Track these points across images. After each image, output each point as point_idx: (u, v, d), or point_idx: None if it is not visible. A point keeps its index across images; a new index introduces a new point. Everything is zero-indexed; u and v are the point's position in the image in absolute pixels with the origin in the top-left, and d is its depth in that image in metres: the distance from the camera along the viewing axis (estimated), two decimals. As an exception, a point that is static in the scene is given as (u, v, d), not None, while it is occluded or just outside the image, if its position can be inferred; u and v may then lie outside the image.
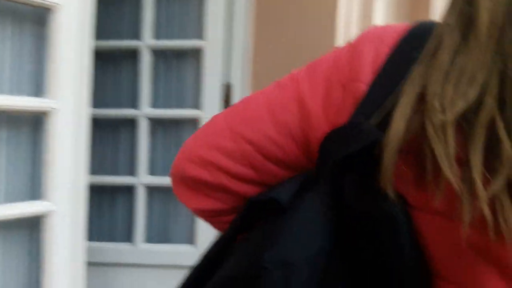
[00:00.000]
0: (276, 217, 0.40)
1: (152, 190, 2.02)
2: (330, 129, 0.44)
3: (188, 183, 0.54)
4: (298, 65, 0.54)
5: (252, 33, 1.84)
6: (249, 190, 0.49)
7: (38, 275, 1.28)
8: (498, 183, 0.34)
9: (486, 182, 0.35)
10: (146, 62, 1.94)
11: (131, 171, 2.00)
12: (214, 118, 0.54)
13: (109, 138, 2.04)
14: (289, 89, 0.49)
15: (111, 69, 2.03)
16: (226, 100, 1.90)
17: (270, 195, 0.42)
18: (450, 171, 0.35)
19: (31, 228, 1.29)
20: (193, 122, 1.97)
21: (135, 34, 1.95)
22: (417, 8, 2.48)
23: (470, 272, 0.37)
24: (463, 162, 0.36)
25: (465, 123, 0.36)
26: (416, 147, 0.38)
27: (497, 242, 0.35)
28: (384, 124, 0.40)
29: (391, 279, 0.37)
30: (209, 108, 1.91)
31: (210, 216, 0.54)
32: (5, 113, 1.21)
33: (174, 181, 0.56)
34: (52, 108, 1.24)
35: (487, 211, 0.34)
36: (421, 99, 0.38)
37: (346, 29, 1.78)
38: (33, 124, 1.28)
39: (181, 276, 0.48)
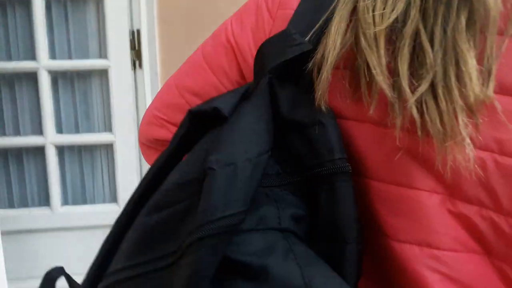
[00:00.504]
0: (219, 126, 0.41)
1: (63, 149, 1.90)
2: None
3: (153, 145, 0.57)
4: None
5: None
6: None
7: None
8: (423, 87, 0.37)
9: (413, 88, 0.38)
10: (38, 7, 1.74)
11: (38, 131, 1.85)
12: (167, 80, 0.57)
13: (6, 95, 1.85)
14: (220, 34, 0.52)
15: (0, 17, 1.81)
16: (135, 47, 1.79)
17: (213, 105, 0.43)
18: (382, 80, 0.38)
19: None
20: (101, 73, 1.84)
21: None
22: None
23: (402, 171, 0.41)
24: (393, 71, 0.39)
25: (394, 35, 0.39)
26: (351, 61, 0.41)
27: (424, 140, 0.38)
28: (317, 40, 0.42)
29: (322, 176, 0.41)
30: (117, 57, 1.79)
31: None
32: None
33: (141, 148, 0.59)
34: None
35: (415, 113, 0.38)
36: (353, 14, 0.40)
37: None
38: None
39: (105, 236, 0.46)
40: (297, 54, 0.42)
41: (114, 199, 1.94)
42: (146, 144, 0.58)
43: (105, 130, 1.89)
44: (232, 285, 0.36)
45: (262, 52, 0.45)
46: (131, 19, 1.78)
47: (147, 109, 0.58)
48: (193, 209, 0.37)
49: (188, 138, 0.44)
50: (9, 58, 1.81)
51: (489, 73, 0.37)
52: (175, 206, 0.39)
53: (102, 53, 1.82)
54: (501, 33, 0.38)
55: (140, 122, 0.71)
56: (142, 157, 1.85)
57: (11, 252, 1.78)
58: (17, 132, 1.86)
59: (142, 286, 0.39)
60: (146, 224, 0.41)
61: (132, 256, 0.40)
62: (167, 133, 0.55)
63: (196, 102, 0.52)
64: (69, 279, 0.47)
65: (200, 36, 0.56)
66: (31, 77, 1.81)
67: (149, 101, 1.81)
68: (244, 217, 0.37)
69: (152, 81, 1.80)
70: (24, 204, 1.92)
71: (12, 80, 1.83)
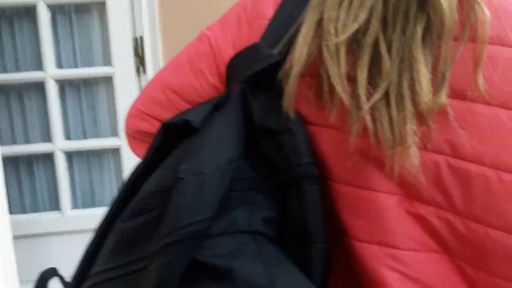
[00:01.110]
0: (191, 137, 0.43)
1: (72, 155, 1.95)
2: None
3: (136, 136, 0.60)
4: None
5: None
6: None
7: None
8: (377, 95, 0.39)
9: (370, 96, 0.39)
10: (44, 19, 1.80)
11: (47, 138, 1.90)
12: (154, 75, 0.59)
13: (16, 104, 1.90)
14: (204, 39, 0.54)
15: (7, 30, 1.86)
16: (139, 54, 1.84)
17: (183, 117, 0.44)
18: (341, 89, 0.40)
19: None
20: (106, 80, 1.89)
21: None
22: None
23: (360, 174, 0.42)
24: (352, 80, 0.40)
25: (355, 44, 0.40)
26: (316, 70, 0.42)
27: (376, 145, 0.40)
28: (287, 51, 0.43)
29: (292, 180, 0.42)
30: (121, 64, 1.84)
31: None
32: None
33: (128, 139, 0.62)
34: None
35: (368, 120, 0.39)
36: (319, 25, 0.42)
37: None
38: None
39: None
40: (264, 67, 0.43)
41: (122, 201, 1.99)
42: (131, 135, 0.61)
43: (112, 135, 1.94)
44: (200, 286, 0.38)
45: (232, 65, 0.47)
46: (134, 27, 1.82)
47: (134, 102, 0.60)
48: (165, 216, 0.39)
49: (163, 149, 0.46)
50: (17, 69, 1.86)
51: (443, 79, 0.38)
52: (149, 213, 0.42)
53: (107, 61, 1.87)
54: (456, 39, 0.39)
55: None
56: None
57: (24, 255, 1.84)
58: (27, 140, 1.92)
59: (118, 287, 0.41)
60: (122, 230, 0.43)
61: (110, 259, 0.43)
62: (149, 126, 0.56)
63: (176, 99, 0.54)
64: (62, 279, 0.50)
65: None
66: (39, 87, 1.87)
67: (153, 106, 1.85)
68: (212, 223, 0.38)
69: (156, 86, 1.84)
70: (35, 209, 1.98)
71: (20, 90, 1.89)
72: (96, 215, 2.08)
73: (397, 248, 0.41)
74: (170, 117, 0.50)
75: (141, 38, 1.82)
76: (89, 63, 1.88)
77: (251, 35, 0.49)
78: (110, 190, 2.00)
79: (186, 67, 0.54)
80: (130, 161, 1.91)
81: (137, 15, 1.81)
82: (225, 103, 0.45)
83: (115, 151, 1.95)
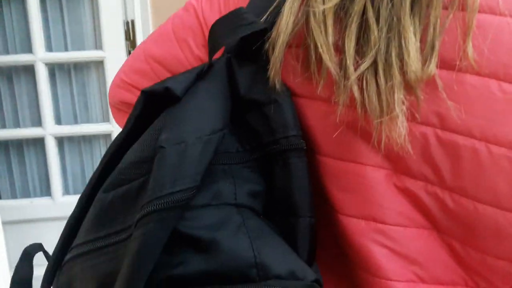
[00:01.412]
0: (172, 106, 0.41)
1: (63, 140, 1.93)
2: None
3: (120, 107, 0.59)
4: None
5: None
6: None
7: None
8: (365, 65, 0.37)
9: (357, 66, 0.38)
10: (33, 0, 1.76)
11: (37, 123, 1.88)
12: (138, 46, 0.58)
13: (5, 88, 1.88)
14: (190, 9, 0.53)
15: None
16: (130, 37, 1.81)
17: (165, 85, 0.42)
18: (328, 58, 0.38)
19: None
20: (97, 64, 1.86)
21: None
22: None
23: (347, 147, 0.41)
24: (339, 50, 0.39)
25: (342, 12, 0.39)
26: (303, 40, 0.40)
27: (363, 116, 0.38)
28: (274, 20, 0.42)
29: (277, 153, 0.41)
30: (112, 48, 1.81)
31: None
32: None
33: (112, 110, 0.62)
34: None
35: (355, 90, 0.38)
36: None
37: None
38: None
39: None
40: (247, 33, 0.41)
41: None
42: (115, 106, 0.60)
43: (103, 121, 1.92)
44: (183, 257, 0.37)
45: (214, 31, 0.45)
46: (125, 10, 1.80)
47: (117, 73, 0.58)
48: (147, 186, 0.38)
49: (144, 119, 0.44)
50: (6, 51, 1.83)
51: (432, 49, 0.37)
52: (130, 183, 0.40)
53: (98, 44, 1.84)
54: (445, 7, 0.37)
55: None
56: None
57: (14, 241, 1.83)
58: (17, 124, 1.89)
59: (99, 259, 0.40)
60: (103, 201, 0.41)
61: (91, 231, 0.41)
62: (133, 97, 0.55)
63: (160, 70, 0.53)
64: (46, 254, 0.48)
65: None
66: (29, 70, 1.84)
67: (145, 90, 1.83)
68: (194, 193, 0.37)
69: (147, 71, 1.81)
70: (26, 194, 1.96)
71: (10, 73, 1.86)
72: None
73: (384, 223, 0.40)
74: None
75: (133, 21, 1.80)
76: (80, 47, 1.85)
77: (238, 4, 0.47)
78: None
79: (171, 37, 0.53)
80: (122, 147, 1.89)
81: (128, -2, 1.79)
82: (209, 72, 0.43)
83: (107, 137, 1.93)
